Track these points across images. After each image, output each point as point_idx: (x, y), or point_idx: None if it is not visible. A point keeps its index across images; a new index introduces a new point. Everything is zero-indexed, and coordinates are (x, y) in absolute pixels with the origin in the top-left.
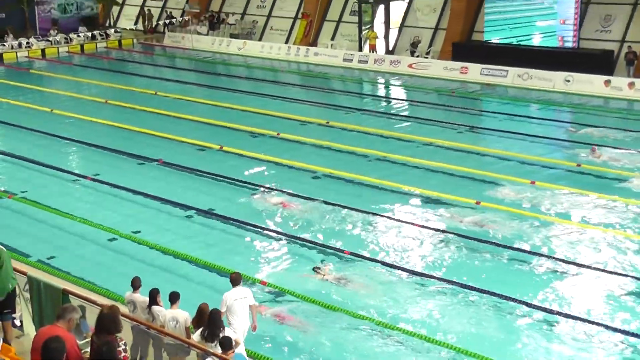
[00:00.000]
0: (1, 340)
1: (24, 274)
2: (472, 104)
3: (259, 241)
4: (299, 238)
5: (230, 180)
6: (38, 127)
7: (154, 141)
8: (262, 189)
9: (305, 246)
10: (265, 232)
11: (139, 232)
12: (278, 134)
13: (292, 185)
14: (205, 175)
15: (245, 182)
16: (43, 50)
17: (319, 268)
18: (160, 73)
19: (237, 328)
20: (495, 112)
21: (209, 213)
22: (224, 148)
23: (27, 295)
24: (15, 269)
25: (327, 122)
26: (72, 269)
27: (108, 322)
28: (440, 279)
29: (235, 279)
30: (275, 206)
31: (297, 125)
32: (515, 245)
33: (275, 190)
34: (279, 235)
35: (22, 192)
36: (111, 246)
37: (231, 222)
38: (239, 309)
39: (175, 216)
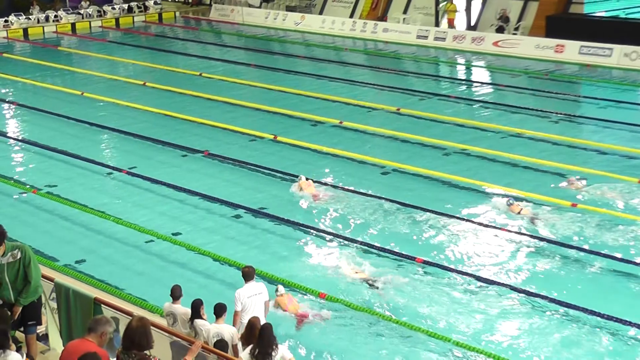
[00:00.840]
0: (24, 355)
1: (51, 280)
2: (568, 89)
3: (314, 245)
4: (360, 242)
5: (284, 175)
6: (66, 112)
7: (199, 130)
8: (322, 186)
9: (370, 252)
10: (321, 234)
11: (180, 234)
12: (341, 122)
13: (355, 181)
14: (257, 169)
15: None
16: (73, 25)
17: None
18: (205, 51)
19: None
20: (596, 98)
21: (259, 212)
22: (278, 138)
23: (54, 304)
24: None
25: (398, 110)
26: (105, 275)
27: (139, 336)
28: (525, 292)
29: (249, 273)
30: (334, 205)
31: (363, 113)
32: (619, 255)
33: (336, 187)
34: (337, 239)
35: (48, 186)
36: (148, 249)
37: (284, 222)
38: (254, 307)
39: (222, 215)
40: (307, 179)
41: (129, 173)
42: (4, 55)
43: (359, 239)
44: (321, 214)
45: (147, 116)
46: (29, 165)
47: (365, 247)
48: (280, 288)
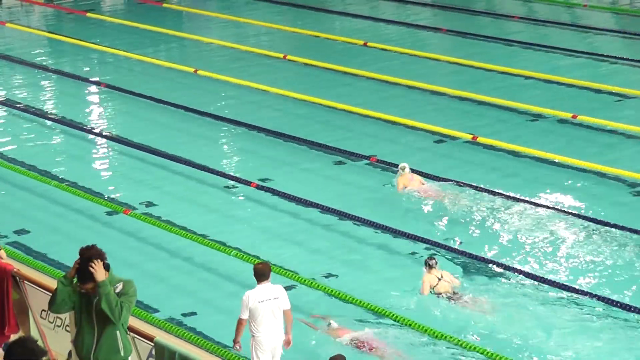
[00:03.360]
0: None
1: (149, 339)
2: None
3: None
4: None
5: (491, 196)
6: (174, 97)
7: (363, 125)
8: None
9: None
10: None
11: (334, 275)
12: (574, 116)
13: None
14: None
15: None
16: None
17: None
18: (374, 9)
19: (263, 342)
20: None
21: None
22: (479, 139)
23: None
24: (132, 329)
25: None
26: (217, 331)
27: None
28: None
29: (262, 272)
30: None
31: (611, 103)
32: None
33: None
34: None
35: (144, 203)
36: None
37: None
38: (266, 315)
39: (400, 253)
40: (411, 171)
41: (259, 187)
42: (90, 14)
43: None
44: None
45: (288, 104)
46: (119, 174)
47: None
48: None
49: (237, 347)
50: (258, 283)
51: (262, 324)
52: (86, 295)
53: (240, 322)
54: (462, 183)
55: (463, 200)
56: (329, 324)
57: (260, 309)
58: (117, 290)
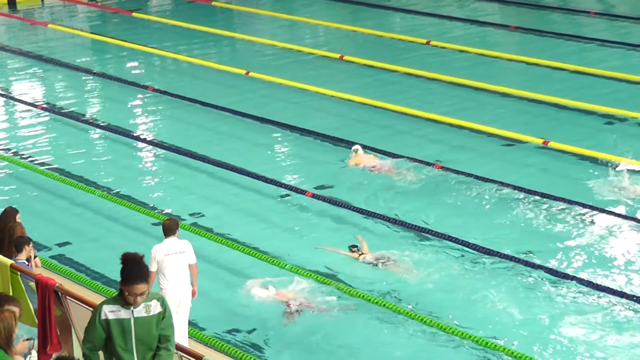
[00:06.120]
0: None
1: (198, 358)
2: None
3: None
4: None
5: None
6: (224, 101)
7: (426, 131)
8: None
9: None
10: None
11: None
12: None
13: None
14: (533, 199)
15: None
16: None
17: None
18: (437, 5)
19: (170, 293)
20: None
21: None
22: (550, 144)
23: None
24: (179, 348)
25: None
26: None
27: None
28: None
29: (169, 227)
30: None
31: None
32: None
33: None
34: None
35: (193, 214)
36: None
37: None
38: (173, 268)
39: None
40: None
41: (315, 196)
42: (135, 14)
43: None
44: None
45: (345, 107)
46: (167, 182)
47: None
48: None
49: None
50: (165, 237)
51: (169, 277)
52: (118, 323)
53: (150, 274)
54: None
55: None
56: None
57: (167, 262)
58: (157, 311)
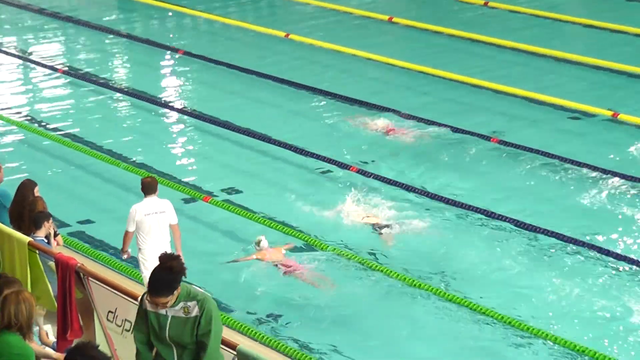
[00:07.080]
0: None
1: (232, 347)
2: None
3: None
4: None
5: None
6: (258, 66)
7: (481, 100)
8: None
9: None
10: None
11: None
12: None
13: None
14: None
15: None
16: None
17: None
18: None
19: (149, 255)
20: None
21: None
22: (620, 116)
23: None
24: None
25: None
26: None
27: None
28: None
29: (149, 185)
30: None
31: None
32: None
33: None
34: None
35: (227, 190)
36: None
37: None
38: (153, 228)
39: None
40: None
41: (360, 172)
42: None
43: None
44: None
45: (392, 73)
46: (198, 156)
47: None
48: (263, 241)
49: (125, 255)
50: (145, 196)
51: (149, 237)
52: (155, 317)
53: (126, 234)
54: None
55: None
56: (258, 241)
57: (146, 222)
58: (194, 314)
